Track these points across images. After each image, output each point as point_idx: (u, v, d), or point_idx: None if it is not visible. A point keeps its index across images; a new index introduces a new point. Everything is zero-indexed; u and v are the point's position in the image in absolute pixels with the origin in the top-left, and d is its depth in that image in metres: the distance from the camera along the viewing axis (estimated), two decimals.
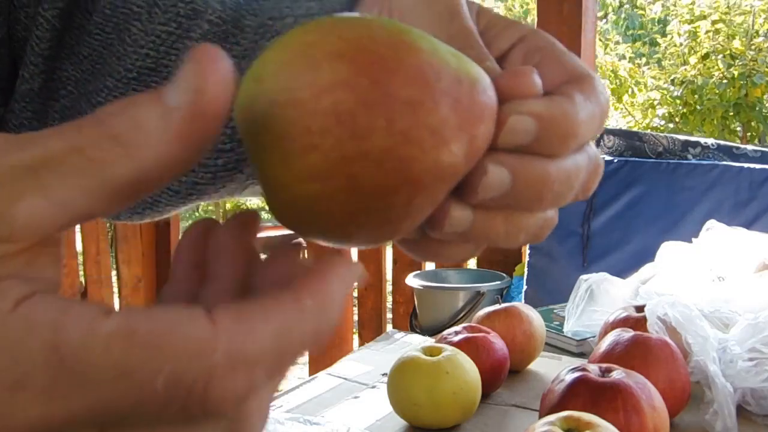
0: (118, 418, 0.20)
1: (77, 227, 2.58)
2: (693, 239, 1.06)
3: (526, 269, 2.10)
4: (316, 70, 0.23)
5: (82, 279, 2.77)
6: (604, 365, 0.65)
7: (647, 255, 1.12)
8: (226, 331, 0.20)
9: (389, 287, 2.68)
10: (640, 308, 0.85)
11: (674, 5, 6.48)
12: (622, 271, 1.09)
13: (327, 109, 0.23)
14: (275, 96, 0.23)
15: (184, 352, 0.19)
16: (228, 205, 6.19)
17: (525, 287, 2.09)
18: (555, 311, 1.06)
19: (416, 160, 0.24)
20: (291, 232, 0.26)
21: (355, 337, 2.76)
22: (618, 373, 0.63)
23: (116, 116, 0.21)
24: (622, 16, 6.64)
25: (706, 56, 5.75)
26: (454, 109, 0.24)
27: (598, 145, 2.08)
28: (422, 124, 0.23)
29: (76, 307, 0.19)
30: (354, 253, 2.71)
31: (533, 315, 0.89)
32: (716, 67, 5.66)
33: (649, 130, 4.74)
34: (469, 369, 0.73)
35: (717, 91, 5.58)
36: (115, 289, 2.89)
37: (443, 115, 0.24)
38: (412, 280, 2.27)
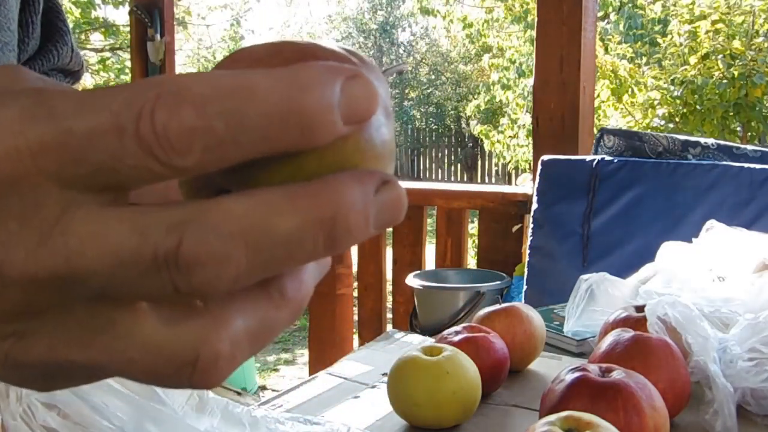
0: (94, 169, 0.19)
1: None
2: (693, 239, 1.06)
3: (526, 269, 2.10)
4: None
5: None
6: (604, 365, 0.65)
7: (647, 255, 1.12)
8: (181, 76, 0.20)
9: (389, 287, 2.68)
10: (640, 308, 0.85)
11: (674, 5, 6.47)
12: (622, 271, 1.09)
13: None
14: None
15: (139, 84, 0.20)
16: None
17: (525, 287, 2.09)
18: (555, 311, 1.06)
19: None
20: None
21: (355, 337, 2.76)
22: (618, 373, 0.63)
23: None
24: (625, 15, 6.63)
25: (706, 56, 5.74)
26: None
27: (598, 144, 2.08)
28: None
29: None
30: (354, 252, 2.70)
31: (533, 315, 0.89)
32: (716, 67, 5.65)
33: (649, 130, 4.75)
34: (470, 369, 0.73)
35: (717, 91, 5.56)
36: None
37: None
38: (412, 280, 2.27)
